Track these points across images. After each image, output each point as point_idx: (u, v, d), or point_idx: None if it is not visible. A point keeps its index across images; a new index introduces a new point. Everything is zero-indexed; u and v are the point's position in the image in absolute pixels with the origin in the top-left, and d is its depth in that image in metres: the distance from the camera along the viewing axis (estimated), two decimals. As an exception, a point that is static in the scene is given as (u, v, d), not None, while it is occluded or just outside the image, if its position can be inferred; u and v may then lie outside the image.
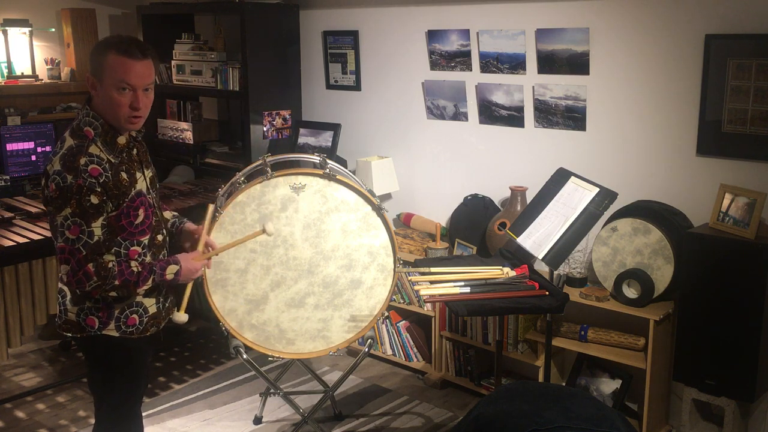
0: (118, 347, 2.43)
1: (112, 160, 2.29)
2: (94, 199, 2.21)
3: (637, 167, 3.51)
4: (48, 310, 3.43)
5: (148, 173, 2.47)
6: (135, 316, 2.42)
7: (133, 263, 2.32)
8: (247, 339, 3.24)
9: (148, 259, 2.42)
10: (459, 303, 2.73)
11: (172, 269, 2.39)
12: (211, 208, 2.79)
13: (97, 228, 2.24)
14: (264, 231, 2.71)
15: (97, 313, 2.37)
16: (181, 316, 2.48)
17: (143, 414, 2.74)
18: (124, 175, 2.31)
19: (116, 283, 2.27)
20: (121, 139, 2.34)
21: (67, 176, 2.19)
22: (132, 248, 2.37)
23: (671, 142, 3.40)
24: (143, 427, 2.65)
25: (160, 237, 2.49)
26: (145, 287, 2.36)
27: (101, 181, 2.22)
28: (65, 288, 2.41)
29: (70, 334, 2.41)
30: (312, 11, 4.68)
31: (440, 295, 2.83)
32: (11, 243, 3.26)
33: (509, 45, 3.79)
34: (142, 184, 2.39)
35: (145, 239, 2.40)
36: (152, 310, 2.48)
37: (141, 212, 2.36)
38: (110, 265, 2.27)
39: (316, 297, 3.26)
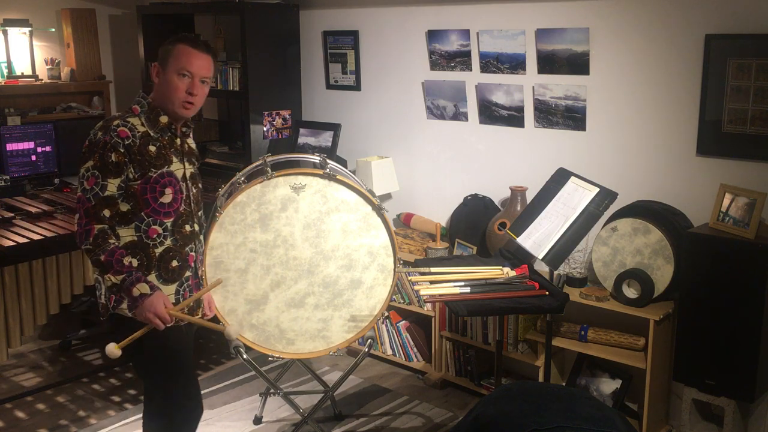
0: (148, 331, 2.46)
1: (152, 134, 2.46)
2: (114, 158, 2.36)
3: (637, 167, 3.51)
4: (48, 310, 3.44)
5: (189, 167, 2.60)
6: None
7: (126, 258, 2.38)
8: (247, 339, 3.24)
9: (168, 242, 2.50)
10: (459, 303, 2.73)
11: (143, 287, 2.38)
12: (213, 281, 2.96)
13: (112, 185, 2.37)
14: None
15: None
16: (114, 350, 2.35)
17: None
18: (152, 148, 2.45)
19: (101, 258, 2.34)
20: (163, 118, 2.50)
21: (98, 132, 2.40)
22: (153, 227, 2.46)
23: (671, 142, 3.40)
24: (194, 418, 2.65)
25: (188, 227, 2.57)
26: (113, 279, 2.37)
27: (126, 143, 2.38)
28: (100, 277, 2.48)
29: (103, 318, 2.53)
30: (312, 11, 4.68)
31: (440, 295, 2.83)
32: (11, 243, 3.27)
33: (509, 45, 3.79)
34: (177, 170, 2.52)
35: (169, 222, 2.49)
36: (170, 300, 2.51)
37: (169, 192, 2.47)
38: (111, 240, 2.37)
39: (316, 297, 3.26)
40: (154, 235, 2.47)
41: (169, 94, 2.47)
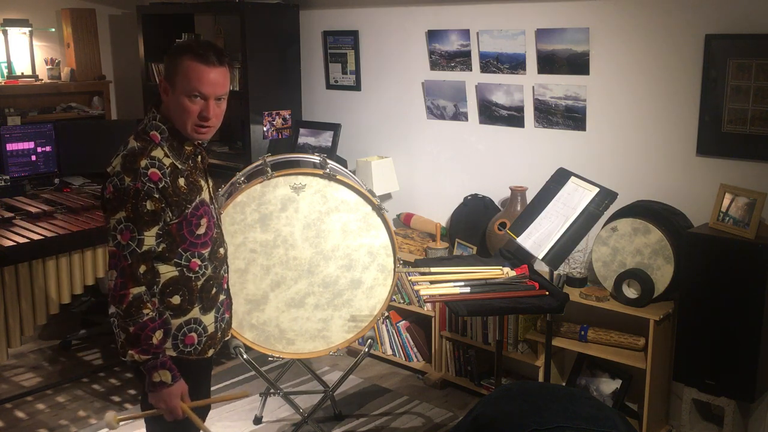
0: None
1: (179, 165, 2.20)
2: (150, 206, 2.09)
3: (637, 167, 3.51)
4: (48, 310, 3.43)
5: (210, 182, 2.39)
6: (194, 334, 2.29)
7: (157, 333, 2.13)
8: (247, 339, 3.24)
9: (209, 272, 2.29)
10: (459, 303, 2.73)
11: (164, 375, 2.13)
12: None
13: (149, 237, 2.11)
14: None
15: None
16: (113, 422, 2.13)
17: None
18: (182, 181, 2.19)
19: (130, 329, 2.09)
20: (188, 145, 2.26)
21: (125, 178, 2.08)
22: (193, 260, 2.24)
23: (671, 142, 3.40)
24: None
25: (222, 251, 2.37)
26: (136, 355, 2.10)
27: (160, 186, 2.12)
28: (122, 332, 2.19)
29: (124, 359, 2.16)
30: (312, 11, 4.68)
31: (440, 295, 2.83)
32: (11, 243, 3.27)
33: (509, 45, 3.79)
34: (205, 194, 2.30)
35: (206, 252, 2.28)
36: (210, 329, 2.34)
37: (204, 222, 2.25)
38: (145, 310, 2.11)
39: (316, 297, 3.26)
40: (196, 268, 2.25)
41: (180, 117, 2.18)
